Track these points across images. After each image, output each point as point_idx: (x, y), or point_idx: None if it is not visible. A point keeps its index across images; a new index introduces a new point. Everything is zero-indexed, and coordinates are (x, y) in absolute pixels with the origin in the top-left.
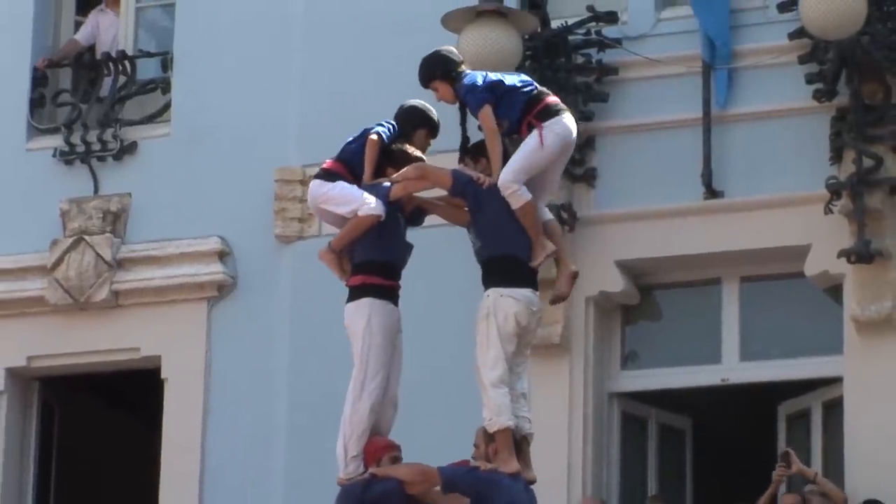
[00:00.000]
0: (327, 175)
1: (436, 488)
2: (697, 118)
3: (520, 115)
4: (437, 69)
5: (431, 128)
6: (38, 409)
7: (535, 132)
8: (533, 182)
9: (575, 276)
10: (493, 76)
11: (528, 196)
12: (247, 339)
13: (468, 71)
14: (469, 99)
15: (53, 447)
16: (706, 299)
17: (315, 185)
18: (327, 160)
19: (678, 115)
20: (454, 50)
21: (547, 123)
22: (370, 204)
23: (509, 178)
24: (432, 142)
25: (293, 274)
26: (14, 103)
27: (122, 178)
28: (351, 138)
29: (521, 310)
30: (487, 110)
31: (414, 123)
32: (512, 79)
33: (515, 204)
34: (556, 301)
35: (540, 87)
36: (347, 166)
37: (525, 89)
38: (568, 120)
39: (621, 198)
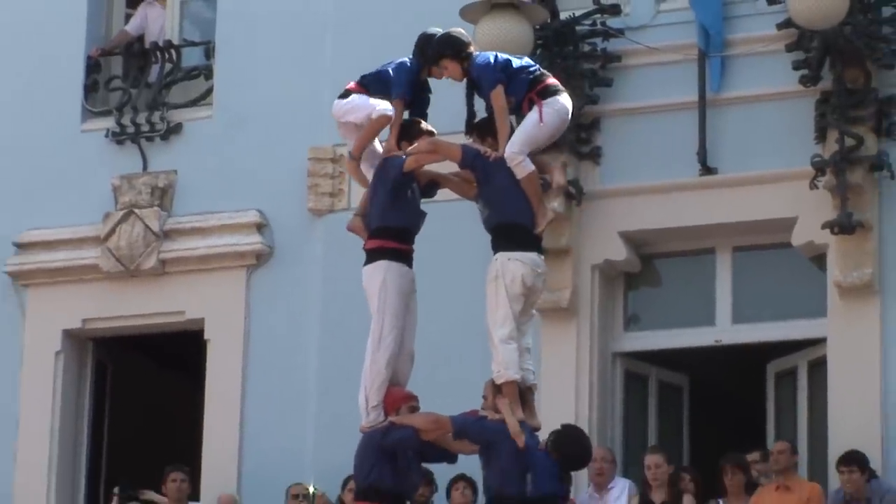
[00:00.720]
0: (346, 93)
1: (448, 435)
2: (693, 101)
3: (524, 93)
4: (449, 48)
5: (455, 56)
6: (92, 368)
7: (535, 108)
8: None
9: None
10: (503, 57)
11: (531, 167)
12: (282, 303)
13: (477, 52)
14: (483, 78)
15: (106, 402)
16: (701, 267)
17: (336, 104)
18: (352, 83)
19: (676, 98)
20: (463, 31)
21: (546, 101)
22: (380, 107)
23: (515, 150)
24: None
25: (324, 244)
26: (70, 89)
27: (169, 156)
28: (380, 69)
29: (526, 271)
30: (500, 90)
31: (437, 52)
32: (517, 61)
33: (520, 174)
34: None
35: (542, 69)
36: (365, 89)
37: (529, 69)
38: (565, 99)
39: (624, 174)
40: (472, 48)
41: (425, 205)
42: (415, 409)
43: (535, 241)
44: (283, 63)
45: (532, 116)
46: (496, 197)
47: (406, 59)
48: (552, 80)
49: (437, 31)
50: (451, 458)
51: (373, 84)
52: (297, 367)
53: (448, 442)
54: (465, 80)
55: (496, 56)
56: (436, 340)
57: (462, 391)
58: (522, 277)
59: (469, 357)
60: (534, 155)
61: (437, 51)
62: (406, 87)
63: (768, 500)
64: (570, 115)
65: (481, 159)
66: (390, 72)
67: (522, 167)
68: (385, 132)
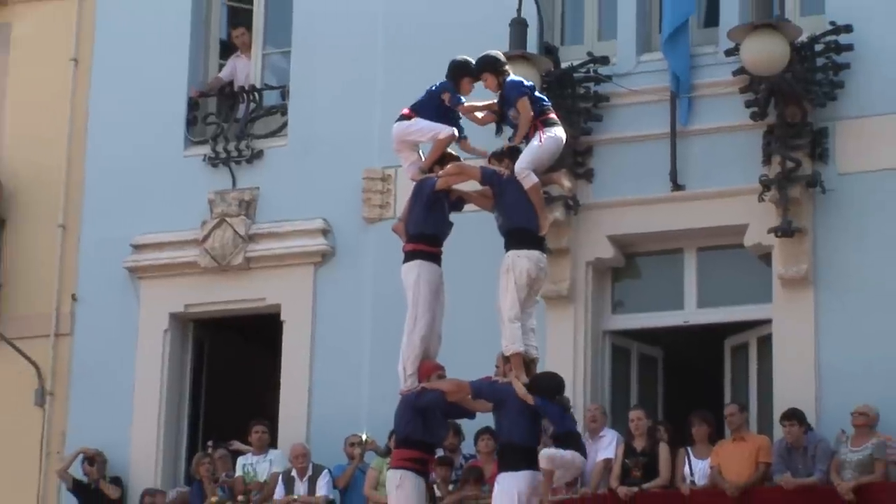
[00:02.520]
0: (405, 118)
1: (468, 396)
2: (666, 133)
3: (535, 116)
4: (491, 65)
5: (472, 74)
6: (192, 343)
7: (537, 134)
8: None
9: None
10: (529, 83)
11: (535, 179)
12: (342, 292)
13: (513, 75)
14: (515, 89)
15: (203, 370)
16: (672, 263)
17: (398, 125)
18: (404, 110)
19: (652, 130)
20: (501, 54)
21: (546, 129)
22: (445, 129)
23: (523, 166)
24: (474, 85)
25: (375, 245)
26: (175, 123)
27: (252, 176)
28: (423, 96)
29: (531, 266)
30: (526, 100)
31: (458, 73)
32: (538, 92)
33: (527, 185)
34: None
35: (549, 104)
36: (418, 113)
37: (543, 100)
38: (560, 131)
39: (611, 190)
40: (508, 67)
41: (454, 217)
42: (442, 377)
43: (539, 241)
44: (342, 102)
45: (535, 141)
46: (508, 207)
47: (441, 87)
48: (553, 115)
49: (470, 60)
50: (470, 415)
51: (421, 108)
52: (354, 343)
53: (468, 402)
54: (499, 91)
55: (521, 82)
56: (459, 323)
57: (478, 363)
58: (528, 271)
59: (484, 336)
60: (539, 173)
61: (481, 66)
62: (456, 121)
63: (727, 449)
64: (563, 143)
65: (497, 178)
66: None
67: (528, 179)
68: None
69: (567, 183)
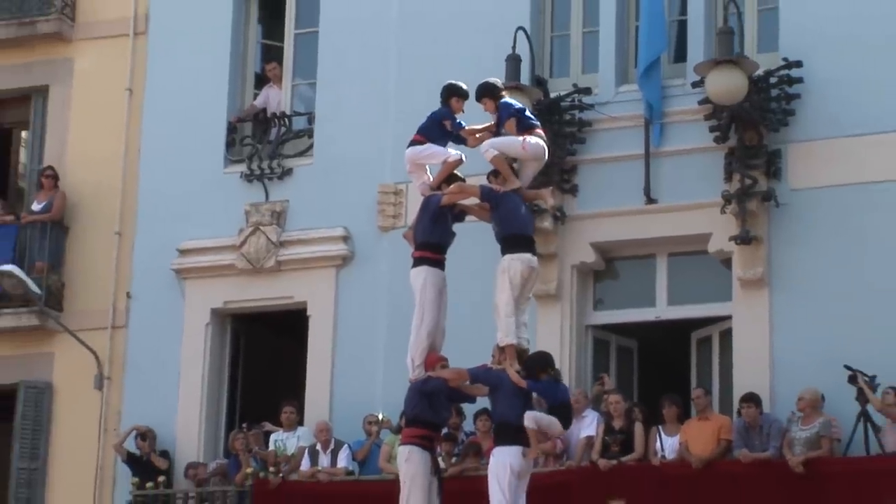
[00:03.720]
0: (417, 143)
1: (466, 382)
2: (641, 154)
3: (523, 130)
4: (489, 91)
5: (459, 94)
6: (230, 335)
7: (522, 139)
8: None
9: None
10: (520, 105)
11: (494, 152)
12: (360, 291)
13: (507, 98)
14: (505, 112)
15: (240, 359)
16: (646, 267)
17: (411, 150)
18: (414, 135)
19: (629, 151)
20: (499, 81)
21: (529, 137)
22: (453, 153)
23: (487, 145)
24: (465, 105)
25: (389, 250)
26: (216, 144)
27: (283, 190)
28: (424, 122)
29: (524, 267)
30: (513, 121)
31: (448, 95)
32: (528, 112)
33: (488, 158)
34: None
35: (538, 122)
36: (427, 137)
37: (531, 119)
38: (543, 143)
39: (593, 203)
40: (504, 93)
41: (456, 227)
42: (445, 367)
43: (531, 245)
44: (360, 127)
45: (518, 139)
46: (503, 218)
47: (440, 114)
48: (540, 131)
49: (460, 83)
50: (471, 399)
51: (428, 132)
52: (370, 335)
53: (467, 388)
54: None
55: (513, 104)
56: (460, 320)
57: (476, 353)
58: (521, 272)
59: (481, 330)
60: (527, 183)
61: (481, 92)
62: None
63: (693, 427)
64: (545, 155)
65: (493, 194)
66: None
67: (490, 154)
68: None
69: (550, 200)
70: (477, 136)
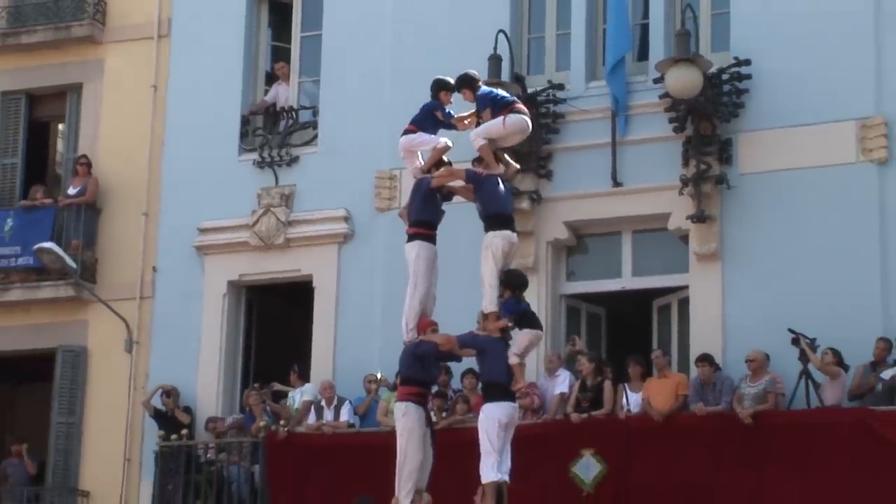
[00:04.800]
0: (410, 132)
1: (455, 346)
2: (608, 142)
3: (500, 109)
4: (467, 82)
5: (447, 88)
6: (244, 305)
7: (500, 117)
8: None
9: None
10: (495, 92)
11: (481, 142)
12: (359, 265)
13: (483, 86)
14: (480, 102)
15: (253, 326)
16: (613, 242)
17: (404, 138)
18: (408, 125)
19: (598, 140)
20: (476, 72)
21: (509, 115)
22: (442, 140)
23: (475, 134)
24: (451, 96)
25: (385, 228)
26: (231, 135)
27: (291, 175)
28: (417, 113)
29: (505, 243)
30: (487, 112)
31: (437, 89)
32: (504, 94)
33: (475, 146)
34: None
35: (514, 98)
36: (419, 127)
37: (507, 98)
38: (525, 115)
39: (566, 186)
40: (480, 83)
41: (445, 205)
42: (435, 331)
43: (511, 223)
44: (359, 119)
45: (497, 120)
46: (486, 198)
47: (432, 105)
48: (520, 106)
49: (448, 78)
50: (457, 359)
51: (420, 123)
52: (369, 304)
53: (456, 350)
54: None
55: (492, 91)
56: (449, 289)
57: (464, 320)
58: (502, 247)
59: (468, 299)
60: (506, 146)
61: (460, 83)
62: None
63: (655, 385)
64: (528, 128)
65: (477, 177)
66: (433, 121)
67: (476, 142)
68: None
69: (515, 165)
70: (465, 122)
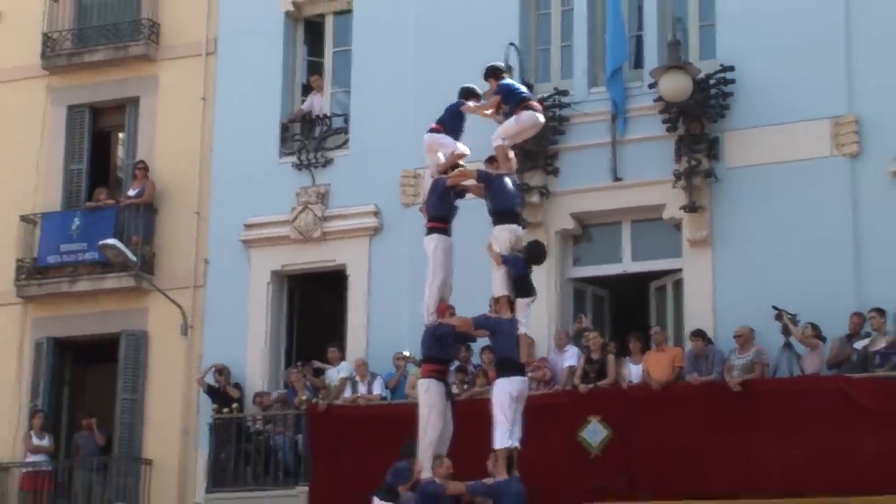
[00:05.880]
0: (435, 131)
1: (471, 328)
2: (608, 141)
3: (515, 105)
4: (493, 73)
5: (475, 95)
6: (286, 292)
7: (515, 115)
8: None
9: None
10: (515, 85)
11: (498, 142)
12: (388, 255)
13: (507, 78)
14: (499, 89)
15: (294, 310)
16: (614, 232)
17: (429, 136)
18: (434, 124)
19: (599, 140)
20: (502, 64)
21: (522, 112)
22: (460, 148)
23: (496, 135)
24: (474, 103)
25: (410, 222)
26: (272, 140)
27: (326, 176)
28: (444, 112)
29: (510, 235)
30: (498, 98)
31: (466, 95)
32: (523, 88)
33: (494, 146)
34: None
35: (529, 94)
36: (445, 127)
37: (523, 93)
38: (538, 112)
39: (572, 182)
40: (505, 74)
41: (460, 202)
42: (453, 314)
43: (517, 218)
44: (386, 125)
45: (512, 119)
46: (495, 195)
47: (458, 103)
48: (535, 103)
49: (474, 87)
50: (473, 339)
51: (446, 122)
52: (396, 290)
53: (471, 331)
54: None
55: (512, 84)
56: (464, 276)
57: (477, 304)
58: (508, 239)
59: (481, 285)
60: (520, 140)
61: (486, 74)
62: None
63: (653, 357)
64: (539, 121)
65: (488, 176)
66: (457, 119)
67: (495, 142)
68: None
69: (514, 161)
70: (487, 111)
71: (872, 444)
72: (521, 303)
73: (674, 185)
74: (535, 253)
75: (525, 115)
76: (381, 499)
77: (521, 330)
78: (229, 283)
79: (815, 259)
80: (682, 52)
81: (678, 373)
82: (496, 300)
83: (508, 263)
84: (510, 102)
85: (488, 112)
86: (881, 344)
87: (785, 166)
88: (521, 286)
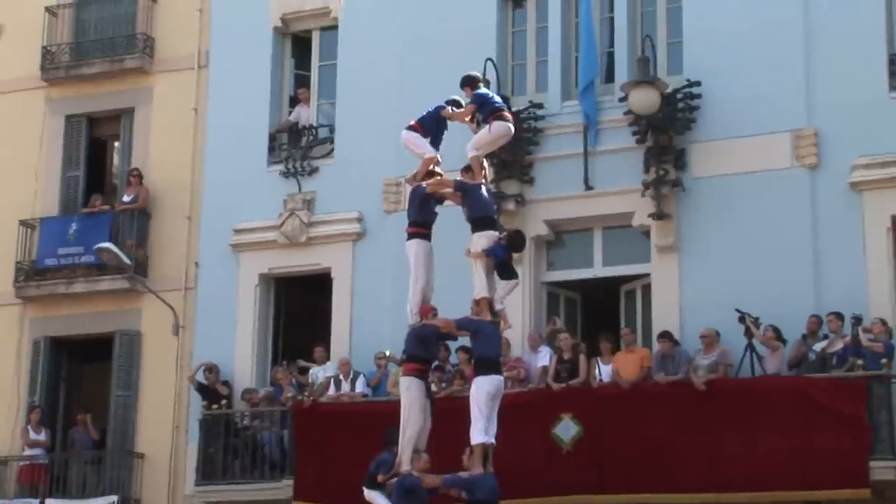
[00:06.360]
0: (412, 129)
1: (453, 328)
2: (581, 152)
3: (488, 115)
4: (469, 82)
5: (457, 105)
6: (273, 293)
7: (487, 125)
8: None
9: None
10: (489, 95)
11: (473, 153)
12: (370, 258)
13: (483, 89)
14: (474, 98)
15: (281, 310)
16: (586, 238)
17: (406, 133)
18: (413, 121)
19: (572, 150)
20: (479, 74)
21: (496, 121)
22: (429, 152)
23: (469, 146)
24: (453, 109)
25: (392, 227)
26: (260, 149)
27: (312, 183)
28: (425, 113)
29: (488, 241)
30: (472, 107)
31: (451, 104)
32: (497, 98)
33: (469, 157)
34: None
35: (503, 105)
36: (422, 127)
37: (497, 103)
38: (508, 122)
39: (546, 190)
40: (480, 83)
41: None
42: (435, 315)
43: (494, 225)
44: (369, 135)
45: (484, 130)
46: (471, 203)
47: (439, 107)
48: (506, 113)
49: (460, 99)
50: (454, 339)
51: (426, 123)
52: (379, 292)
53: (454, 332)
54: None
55: (487, 93)
56: (445, 279)
57: (458, 306)
58: (485, 245)
59: (461, 288)
60: (493, 147)
61: (462, 83)
62: (437, 145)
63: (623, 358)
64: (510, 131)
65: (464, 185)
66: (437, 123)
67: (470, 154)
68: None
69: (488, 173)
70: (466, 119)
71: (829, 440)
72: (504, 283)
73: (643, 193)
74: (516, 241)
75: (496, 126)
76: (368, 487)
77: (499, 306)
78: (219, 286)
79: (776, 265)
80: (651, 67)
81: (646, 372)
82: (477, 302)
83: (492, 253)
84: (483, 111)
85: (467, 119)
86: (838, 346)
87: (748, 177)
88: (504, 270)
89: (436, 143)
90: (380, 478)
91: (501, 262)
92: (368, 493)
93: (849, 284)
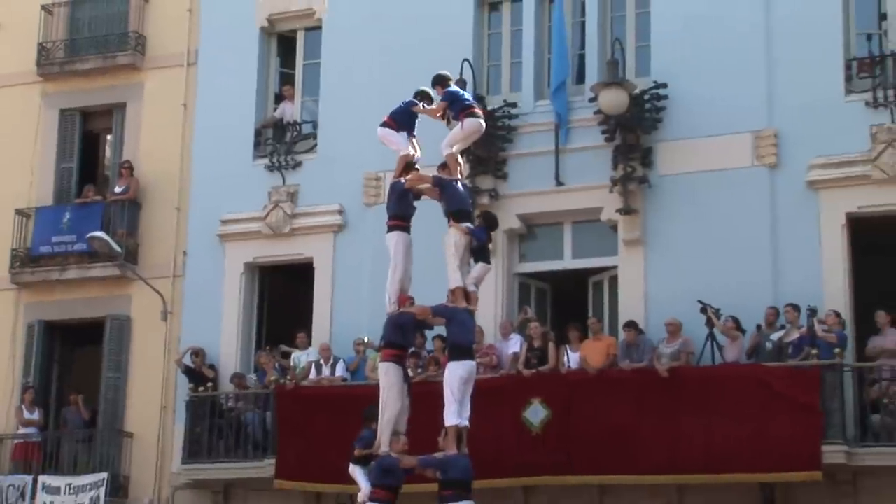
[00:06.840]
0: (386, 125)
1: (429, 315)
2: (552, 149)
3: (458, 112)
4: (440, 80)
5: (427, 97)
6: (257, 281)
7: (460, 122)
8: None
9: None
10: (460, 92)
11: (448, 150)
12: (350, 249)
13: (453, 87)
14: (445, 96)
15: (265, 298)
16: (557, 232)
17: (381, 130)
18: (385, 117)
19: (544, 148)
20: (449, 73)
21: (467, 118)
22: (406, 149)
23: (444, 144)
24: (425, 105)
25: (372, 220)
26: (246, 144)
27: (296, 177)
28: (396, 107)
29: (461, 234)
30: (444, 104)
31: (419, 97)
32: (467, 95)
33: (444, 154)
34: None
35: (473, 102)
36: (395, 122)
37: (466, 100)
38: (479, 119)
39: (519, 186)
40: (451, 82)
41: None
42: (412, 304)
43: (469, 217)
44: (351, 131)
45: (457, 128)
46: (448, 198)
47: (410, 102)
48: (477, 110)
49: (429, 90)
50: (430, 327)
51: (398, 118)
52: (358, 282)
53: (430, 319)
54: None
55: (458, 91)
56: (422, 269)
57: (434, 295)
58: (462, 236)
59: (437, 278)
60: (465, 145)
61: (433, 82)
62: (410, 144)
63: (590, 345)
64: (482, 126)
65: (441, 180)
66: (409, 117)
67: (445, 151)
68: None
69: (462, 168)
70: (438, 115)
71: (784, 425)
72: (477, 267)
73: (611, 190)
74: (490, 219)
75: (468, 123)
76: (354, 463)
77: (472, 287)
78: (206, 274)
79: (736, 259)
80: (620, 69)
81: (612, 360)
82: (452, 291)
83: (473, 233)
84: (454, 108)
85: (438, 115)
86: (794, 336)
87: (711, 175)
88: (481, 254)
89: (409, 133)
90: (356, 451)
91: (480, 246)
92: (352, 469)
93: (805, 278)
